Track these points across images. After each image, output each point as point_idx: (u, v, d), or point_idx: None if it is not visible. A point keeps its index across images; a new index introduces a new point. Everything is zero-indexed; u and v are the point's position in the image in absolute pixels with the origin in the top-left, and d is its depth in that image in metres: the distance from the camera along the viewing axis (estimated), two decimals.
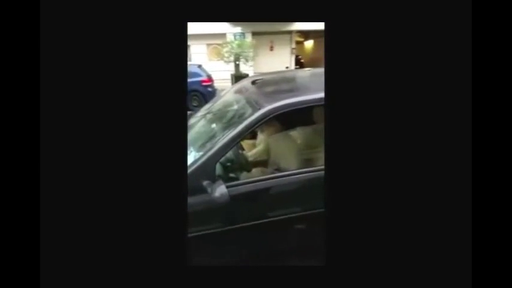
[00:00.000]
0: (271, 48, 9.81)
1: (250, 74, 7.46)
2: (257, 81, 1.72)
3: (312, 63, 11.08)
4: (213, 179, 1.13)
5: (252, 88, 1.67)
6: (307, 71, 2.57)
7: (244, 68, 7.91)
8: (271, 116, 1.26)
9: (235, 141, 1.22)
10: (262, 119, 1.24)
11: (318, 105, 1.44)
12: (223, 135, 1.22)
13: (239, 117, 1.36)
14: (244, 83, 1.91)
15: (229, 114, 1.54)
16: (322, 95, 1.29)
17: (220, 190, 1.07)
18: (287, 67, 9.92)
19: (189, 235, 1.01)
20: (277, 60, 9.92)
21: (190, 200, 1.02)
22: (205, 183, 1.11)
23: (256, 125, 1.26)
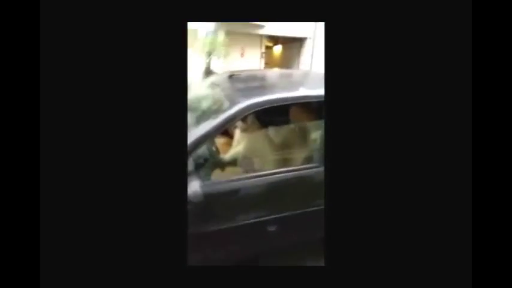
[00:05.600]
0: (242, 55, 8.70)
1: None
2: (234, 76, 1.64)
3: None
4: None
5: (229, 83, 1.59)
6: (279, 71, 2.53)
7: (214, 67, 7.17)
8: (249, 112, 1.20)
9: (209, 136, 1.14)
10: (239, 115, 1.17)
11: (296, 104, 1.45)
12: (197, 129, 1.13)
13: (215, 111, 1.27)
14: (220, 77, 1.82)
15: (203, 108, 1.45)
16: (299, 93, 1.42)
17: (194, 187, 0.99)
18: None
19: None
20: (246, 65, 8.70)
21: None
22: None
23: (233, 121, 1.19)
